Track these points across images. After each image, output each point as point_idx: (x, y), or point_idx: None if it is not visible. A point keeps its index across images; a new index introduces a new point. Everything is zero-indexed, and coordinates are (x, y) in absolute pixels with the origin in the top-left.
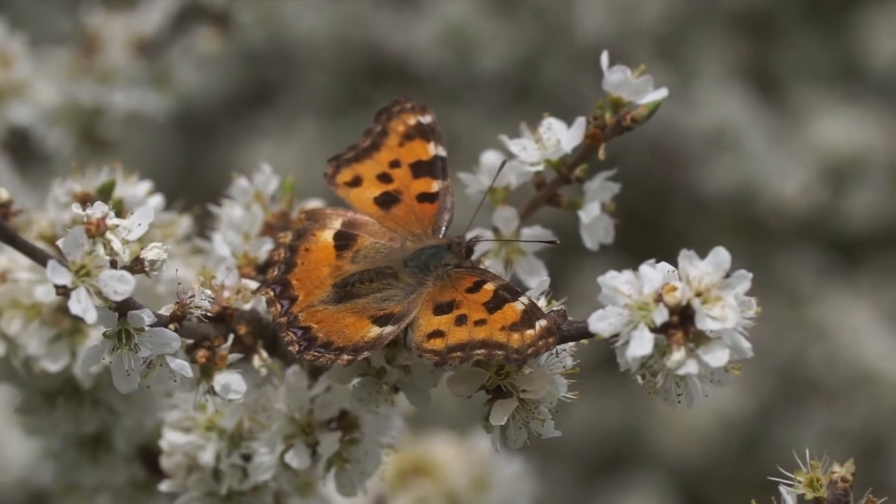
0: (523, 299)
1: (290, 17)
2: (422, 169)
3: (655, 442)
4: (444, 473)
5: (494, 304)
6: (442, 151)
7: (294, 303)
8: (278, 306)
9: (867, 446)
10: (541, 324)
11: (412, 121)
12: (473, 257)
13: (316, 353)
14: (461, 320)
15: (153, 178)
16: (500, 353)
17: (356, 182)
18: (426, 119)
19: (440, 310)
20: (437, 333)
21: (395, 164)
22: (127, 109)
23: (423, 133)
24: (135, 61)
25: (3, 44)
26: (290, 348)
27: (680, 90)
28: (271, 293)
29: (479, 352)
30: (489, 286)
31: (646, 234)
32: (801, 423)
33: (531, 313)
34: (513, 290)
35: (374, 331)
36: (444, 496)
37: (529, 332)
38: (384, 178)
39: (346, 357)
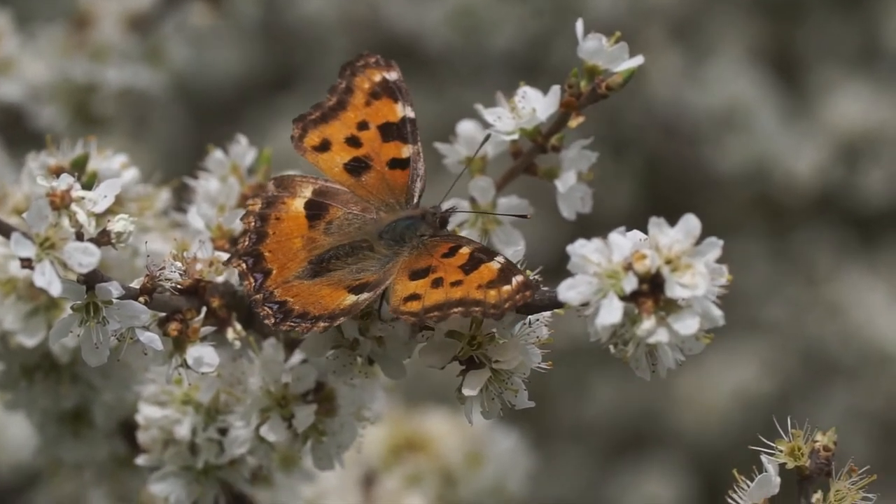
0: (499, 258)
1: None
2: (391, 132)
3: (675, 422)
4: (438, 448)
5: (471, 266)
6: (410, 112)
7: (268, 277)
8: (251, 280)
9: (888, 425)
10: (517, 279)
11: (377, 77)
12: (449, 228)
13: (292, 324)
14: (437, 283)
15: (171, 162)
16: (477, 309)
17: (325, 146)
18: (392, 76)
19: (416, 275)
20: (414, 297)
21: (363, 125)
22: (120, 86)
23: (390, 91)
24: (128, 37)
25: None
26: (267, 321)
27: (693, 70)
28: (243, 265)
29: (456, 310)
30: (465, 250)
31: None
32: (822, 403)
33: (507, 270)
34: (489, 251)
35: (350, 298)
36: (438, 471)
37: (506, 287)
38: (353, 141)
39: (321, 324)
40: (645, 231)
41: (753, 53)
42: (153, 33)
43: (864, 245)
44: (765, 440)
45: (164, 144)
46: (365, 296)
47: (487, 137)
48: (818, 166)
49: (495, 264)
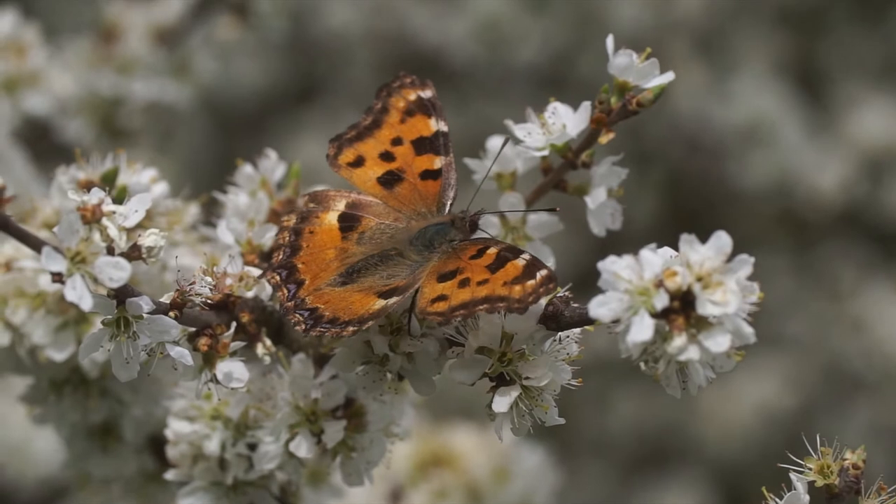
0: (525, 255)
1: (324, 9)
2: (424, 145)
3: (697, 437)
4: (465, 464)
5: (497, 264)
6: (444, 126)
7: (301, 287)
8: (285, 291)
9: None
10: (541, 273)
11: (412, 96)
12: (477, 233)
13: (321, 329)
14: (464, 283)
15: (196, 174)
16: (501, 304)
17: (359, 162)
18: (427, 94)
19: (444, 278)
20: (441, 298)
21: (397, 141)
22: (147, 99)
23: (424, 108)
24: (154, 51)
25: (18, 33)
26: (297, 328)
27: (717, 84)
28: (277, 277)
29: (481, 307)
30: (492, 250)
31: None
32: (845, 418)
33: (532, 266)
34: (515, 249)
35: (379, 303)
36: (465, 487)
37: (530, 282)
38: (387, 156)
39: (350, 329)
40: (672, 247)
41: (777, 68)
42: (180, 47)
43: (887, 260)
44: (793, 457)
45: (186, 156)
46: (394, 299)
47: (504, 143)
48: (842, 181)
49: (521, 261)
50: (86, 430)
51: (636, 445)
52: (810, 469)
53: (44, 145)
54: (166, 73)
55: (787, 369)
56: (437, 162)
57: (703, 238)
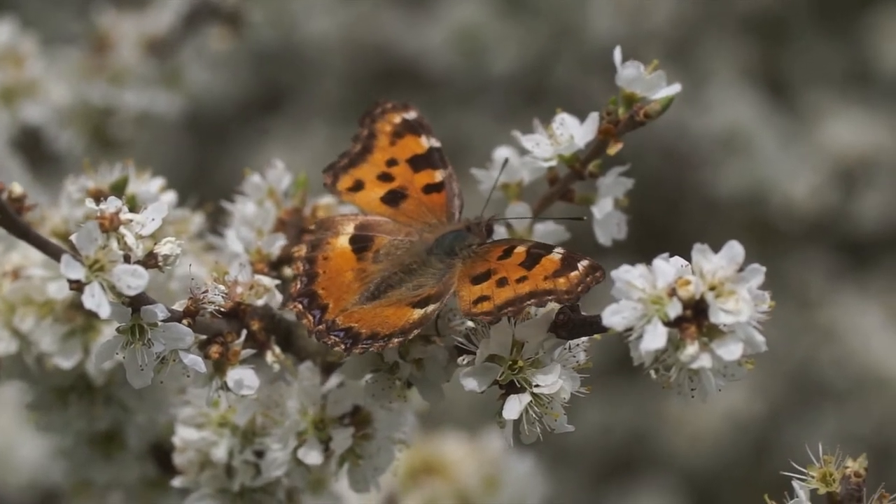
0: (558, 250)
1: (302, 18)
2: (420, 162)
3: (666, 444)
4: (455, 472)
5: (531, 262)
6: (435, 142)
7: (325, 311)
8: (310, 317)
9: (878, 449)
10: (583, 263)
11: (397, 119)
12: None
13: (364, 346)
14: (502, 282)
15: (167, 182)
16: (549, 297)
17: (358, 186)
18: (411, 115)
19: (478, 280)
20: (483, 298)
21: (392, 162)
22: (138, 109)
23: (412, 128)
24: (146, 61)
25: (16, 43)
26: (336, 349)
27: (691, 93)
28: (299, 306)
29: (529, 302)
30: (520, 248)
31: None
32: (812, 426)
33: (570, 258)
34: (545, 245)
35: (418, 312)
36: (455, 495)
37: (574, 273)
38: (385, 177)
39: (395, 340)
40: (643, 258)
41: (745, 77)
42: (171, 57)
43: (857, 269)
44: (796, 465)
45: (157, 166)
46: (432, 307)
47: (506, 162)
48: (814, 190)
49: (556, 255)
50: (89, 437)
51: (605, 454)
52: (812, 477)
53: (35, 155)
54: (157, 83)
55: (756, 377)
56: (438, 175)
57: (672, 248)
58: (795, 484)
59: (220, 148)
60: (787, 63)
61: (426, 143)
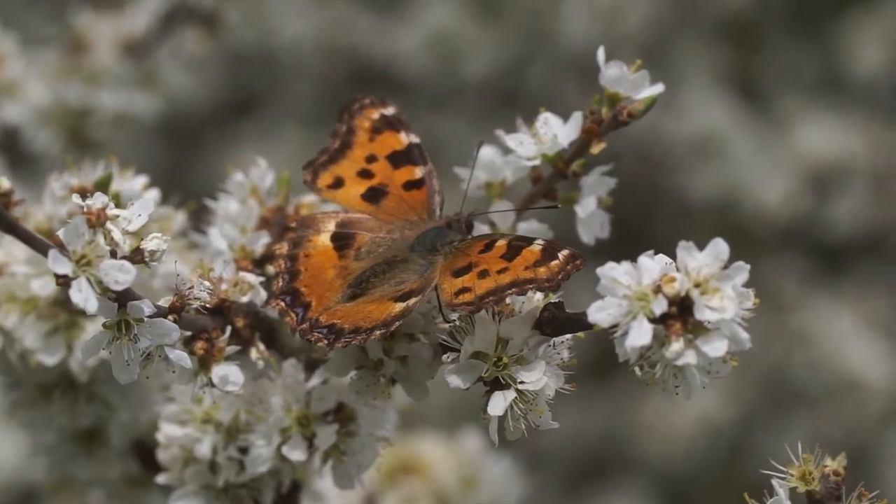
0: (538, 241)
1: (276, 21)
2: (400, 158)
3: (640, 448)
4: (433, 472)
5: (512, 253)
6: (415, 139)
7: (308, 309)
8: (293, 315)
9: (851, 453)
10: (563, 253)
11: (376, 115)
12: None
13: (346, 340)
14: (483, 274)
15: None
16: (530, 286)
17: (338, 183)
18: (389, 111)
19: (459, 273)
20: (464, 290)
21: (371, 158)
22: (114, 110)
23: (391, 124)
24: (122, 62)
25: None
26: (319, 345)
27: (666, 97)
28: (282, 304)
29: (509, 291)
30: (501, 242)
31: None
32: (785, 430)
33: (550, 248)
34: (525, 238)
35: (399, 305)
36: (433, 495)
37: (555, 262)
38: (365, 174)
39: (378, 332)
40: (615, 258)
41: (719, 82)
42: (148, 58)
43: (830, 274)
44: (776, 464)
45: (131, 165)
46: (414, 300)
47: (479, 145)
48: (787, 195)
49: (536, 246)
50: (71, 434)
51: (579, 456)
52: (792, 475)
53: (13, 154)
54: (134, 84)
55: (729, 381)
56: (418, 172)
57: (638, 249)
58: (775, 482)
59: (194, 150)
60: (760, 68)
61: (405, 139)
